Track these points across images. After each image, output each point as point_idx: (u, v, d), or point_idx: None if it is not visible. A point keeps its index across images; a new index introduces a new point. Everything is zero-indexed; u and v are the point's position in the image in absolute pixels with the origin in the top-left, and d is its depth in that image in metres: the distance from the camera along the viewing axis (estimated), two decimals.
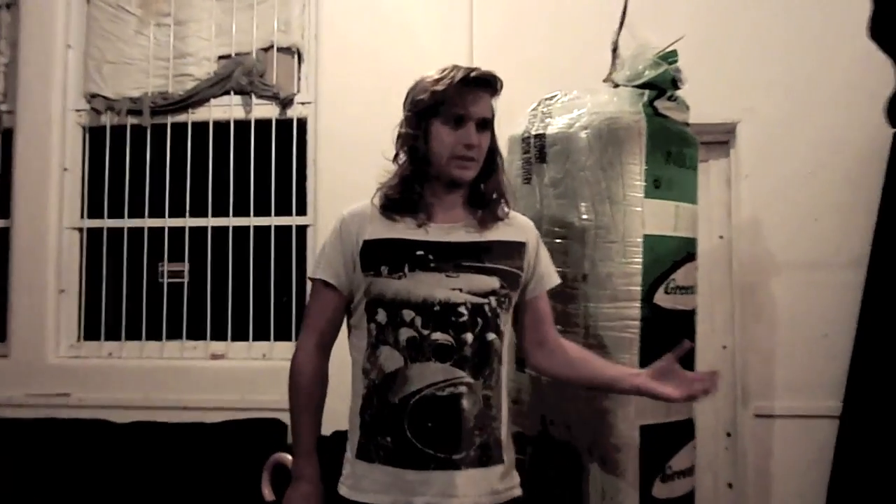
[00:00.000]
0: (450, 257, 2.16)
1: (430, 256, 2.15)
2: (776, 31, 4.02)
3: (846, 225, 3.90)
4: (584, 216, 2.75)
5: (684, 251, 2.89)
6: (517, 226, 2.33)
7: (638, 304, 2.73)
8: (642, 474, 2.70)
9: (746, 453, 3.96)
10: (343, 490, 2.18)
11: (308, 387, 2.26)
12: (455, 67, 2.18)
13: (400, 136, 2.26)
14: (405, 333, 2.13)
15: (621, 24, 3.04)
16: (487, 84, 2.19)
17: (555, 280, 2.41)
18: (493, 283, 2.18)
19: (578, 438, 2.75)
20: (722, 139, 4.05)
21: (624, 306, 2.72)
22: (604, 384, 2.41)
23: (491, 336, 2.16)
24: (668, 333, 2.77)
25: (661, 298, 2.78)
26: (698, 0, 4.03)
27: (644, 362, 2.64)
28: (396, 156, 2.27)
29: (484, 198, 2.26)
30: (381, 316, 2.16)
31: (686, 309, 2.90)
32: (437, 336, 2.12)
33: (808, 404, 3.90)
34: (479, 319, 2.14)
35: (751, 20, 4.03)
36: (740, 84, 3.96)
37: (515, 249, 2.27)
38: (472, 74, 2.15)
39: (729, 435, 4.02)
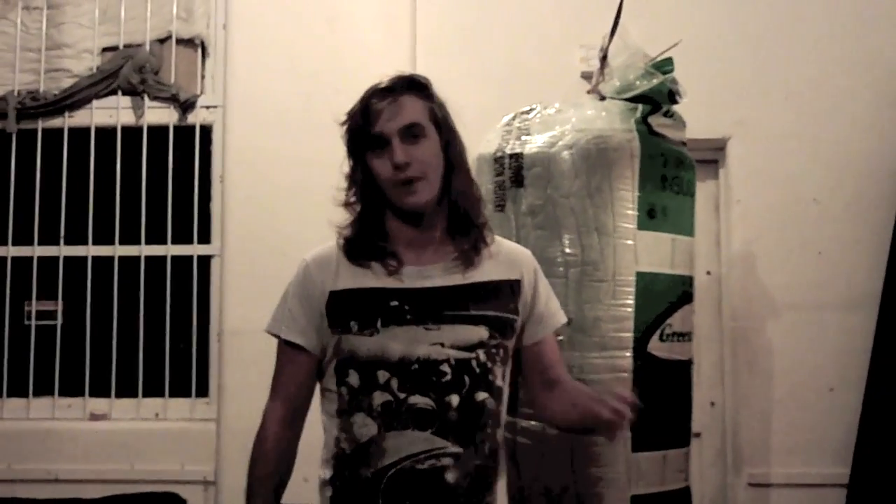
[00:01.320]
0: (429, 306, 2.16)
1: (406, 307, 2.15)
2: (772, 33, 4.19)
3: (854, 259, 4.04)
4: (569, 250, 2.83)
5: (680, 291, 3.01)
6: (509, 259, 2.32)
7: (629, 354, 2.83)
8: None
9: None
10: None
11: (269, 465, 2.25)
12: (370, 88, 2.21)
13: (346, 178, 2.26)
14: (379, 398, 2.13)
15: (614, 27, 3.11)
16: (404, 88, 2.19)
17: (560, 319, 2.40)
18: (481, 333, 2.17)
19: None
20: (710, 158, 4.17)
21: (613, 356, 2.81)
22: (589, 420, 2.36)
23: (482, 396, 2.16)
24: (663, 387, 2.92)
25: (655, 347, 2.89)
26: (684, 2, 4.19)
27: (638, 422, 2.75)
28: (347, 202, 2.27)
29: (459, 222, 2.23)
30: (353, 378, 2.16)
31: (682, 359, 3.03)
32: (416, 399, 2.12)
33: (810, 471, 4.01)
34: (465, 377, 2.14)
35: (744, 22, 4.20)
36: (732, 93, 4.11)
37: (507, 289, 2.27)
38: (380, 86, 2.17)
39: None
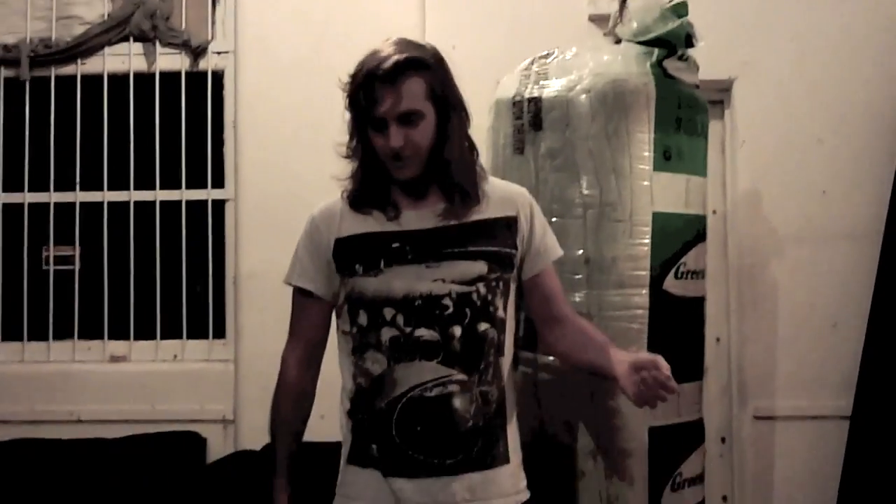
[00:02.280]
0: (429, 246, 2.29)
1: (408, 248, 2.29)
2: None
3: (858, 198, 4.09)
4: (587, 192, 2.89)
5: (695, 230, 3.08)
6: (505, 198, 2.43)
7: (646, 291, 2.91)
8: (651, 482, 2.90)
9: (744, 461, 4.16)
10: (337, 500, 2.39)
11: (291, 405, 2.44)
12: (368, 57, 2.26)
13: (348, 128, 2.37)
14: (387, 333, 2.27)
15: None
16: (403, 70, 2.23)
17: (556, 252, 2.50)
18: (480, 267, 2.29)
19: (580, 440, 2.91)
20: (716, 99, 4.16)
21: (631, 294, 2.89)
22: (599, 372, 2.49)
23: (483, 326, 2.29)
24: (677, 324, 2.99)
25: (670, 284, 2.96)
26: None
27: None
28: (349, 150, 2.38)
29: (450, 180, 2.34)
30: (363, 317, 2.32)
31: (696, 296, 3.10)
32: (422, 332, 2.25)
33: (814, 404, 4.09)
34: (466, 310, 2.27)
35: None
36: (738, 34, 4.10)
37: (504, 226, 2.38)
38: (380, 72, 2.20)
39: (724, 440, 4.22)
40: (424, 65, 2.26)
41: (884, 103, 4.09)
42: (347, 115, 2.34)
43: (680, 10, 3.03)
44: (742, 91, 4.19)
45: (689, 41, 3.05)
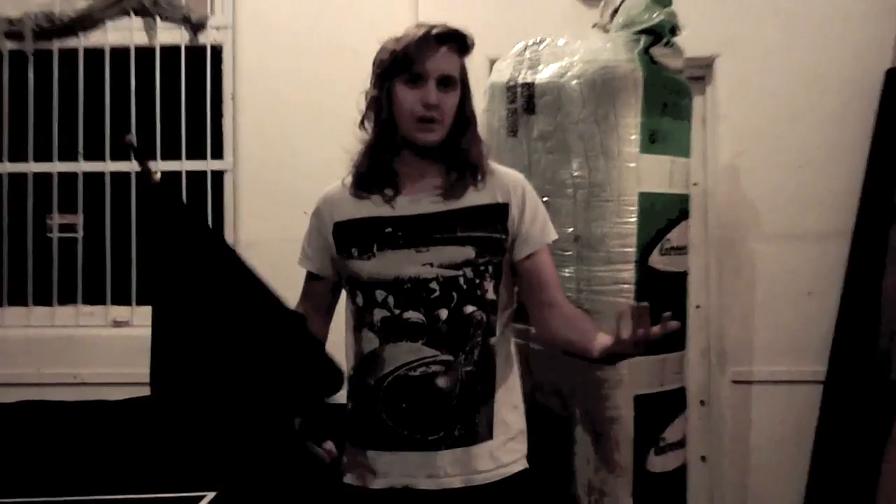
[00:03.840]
0: (420, 231, 2.38)
1: (400, 233, 2.38)
2: None
3: (834, 172, 4.17)
4: (577, 173, 3.00)
5: (678, 209, 3.19)
6: (498, 185, 2.47)
7: (632, 267, 3.03)
8: (636, 447, 3.03)
9: (722, 423, 4.27)
10: (345, 477, 2.50)
11: None
12: (419, 25, 2.37)
13: (366, 100, 2.47)
14: (379, 314, 2.38)
15: None
16: (451, 39, 2.36)
17: (548, 237, 2.52)
18: (468, 252, 2.36)
19: (570, 408, 3.04)
20: (698, 75, 4.23)
21: (618, 269, 3.01)
22: (581, 353, 2.47)
23: (470, 309, 2.36)
24: (662, 297, 3.06)
25: (655, 260, 3.08)
26: None
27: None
28: (363, 121, 2.48)
29: (458, 159, 2.44)
30: (359, 298, 2.43)
31: (680, 271, 3.23)
32: (409, 315, 2.35)
33: (790, 369, 4.19)
34: (453, 293, 2.35)
35: None
36: (719, 12, 4.16)
37: (494, 212, 2.44)
38: (434, 31, 2.32)
39: (703, 403, 4.32)
40: (466, 47, 2.39)
41: (861, 80, 4.15)
42: (367, 87, 2.45)
43: (664, 1, 3.13)
44: (724, 67, 4.24)
45: (673, 31, 3.13)
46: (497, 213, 2.44)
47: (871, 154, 4.09)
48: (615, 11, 3.23)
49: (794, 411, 4.17)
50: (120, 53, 4.56)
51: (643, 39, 3.06)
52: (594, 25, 3.27)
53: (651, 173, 3.04)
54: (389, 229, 2.39)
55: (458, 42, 2.38)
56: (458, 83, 2.40)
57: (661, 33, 3.09)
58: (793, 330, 4.20)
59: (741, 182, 4.26)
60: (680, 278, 3.24)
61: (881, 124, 4.08)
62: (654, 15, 3.07)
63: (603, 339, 2.34)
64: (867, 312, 3.95)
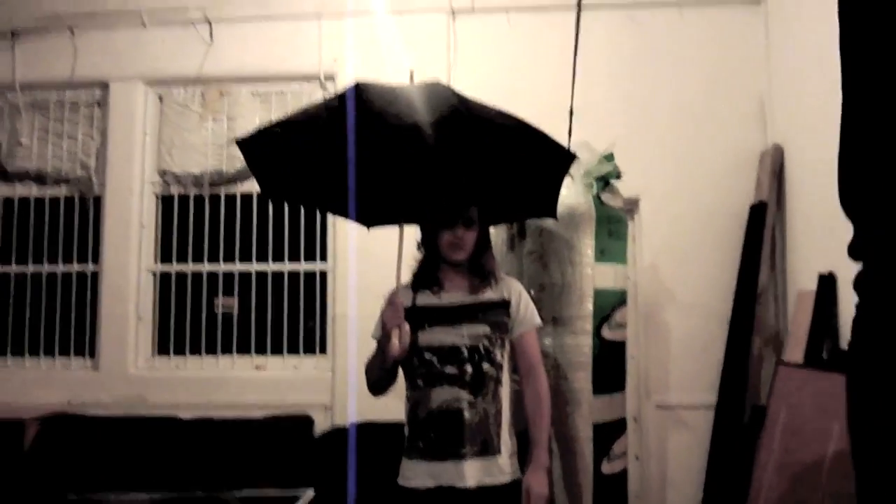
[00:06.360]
0: (455, 315, 2.39)
1: (443, 316, 2.39)
2: (669, 136, 4.21)
3: (719, 271, 4.07)
4: (553, 277, 2.90)
5: (620, 299, 3.08)
6: (505, 287, 2.49)
7: (590, 337, 2.92)
8: (595, 457, 2.89)
9: (649, 434, 4.12)
10: (399, 481, 2.41)
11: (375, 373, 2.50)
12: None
13: (421, 235, 2.54)
14: (426, 368, 2.36)
15: (570, 133, 3.14)
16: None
17: (536, 322, 2.50)
18: (485, 329, 2.38)
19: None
20: (629, 208, 4.09)
21: (581, 339, 2.90)
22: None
23: (486, 366, 2.35)
24: (610, 357, 2.99)
25: (605, 333, 2.96)
26: (616, 107, 4.19)
27: (595, 378, 2.87)
28: (419, 246, 2.54)
29: (480, 270, 2.47)
30: (414, 358, 2.38)
31: (621, 340, 3.10)
32: (447, 369, 2.34)
33: (693, 398, 4.05)
34: (475, 355, 2.34)
35: (654, 127, 4.21)
36: (642, 169, 4.04)
37: (502, 305, 2.45)
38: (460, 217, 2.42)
39: (636, 420, 4.15)
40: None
41: (735, 214, 4.07)
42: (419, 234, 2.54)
43: (609, 157, 3.08)
44: (644, 204, 4.17)
45: (618, 176, 3.08)
46: (504, 306, 2.45)
47: (742, 257, 3.98)
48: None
49: (698, 427, 4.02)
50: (262, 197, 4.46)
51: (595, 185, 2.99)
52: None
53: (601, 276, 2.94)
54: (436, 313, 2.40)
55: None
56: (477, 224, 2.45)
57: (609, 180, 3.04)
58: (694, 371, 4.07)
59: (658, 277, 4.16)
60: (621, 345, 3.11)
61: (747, 241, 3.98)
62: (604, 167, 3.02)
63: (529, 481, 2.36)
64: (742, 360, 3.82)
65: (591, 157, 3.08)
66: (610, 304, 2.99)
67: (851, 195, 0.96)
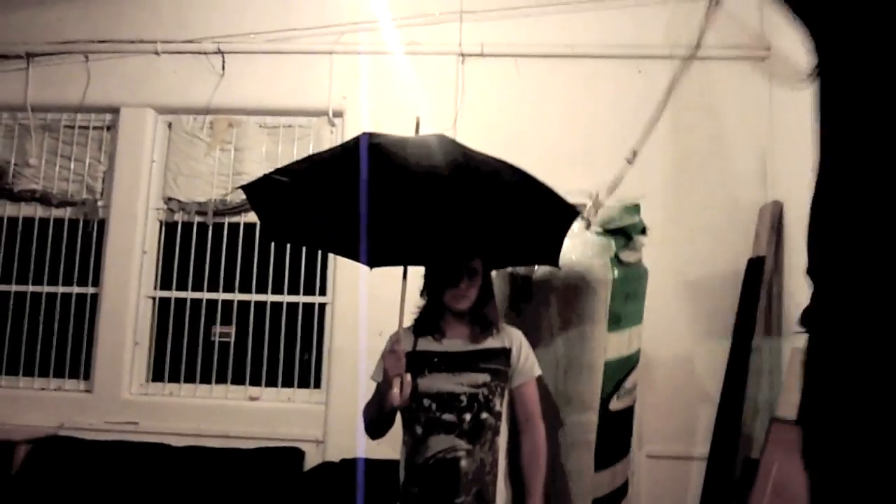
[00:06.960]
0: (455, 362, 2.27)
1: (443, 363, 2.28)
2: (670, 187, 4.10)
3: (717, 323, 3.92)
4: (561, 348, 2.65)
5: (634, 362, 2.80)
6: (506, 335, 2.38)
7: (596, 412, 2.65)
8: None
9: (640, 484, 3.92)
10: None
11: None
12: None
13: (424, 282, 2.44)
14: (425, 414, 2.24)
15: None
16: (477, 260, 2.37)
17: (535, 371, 2.38)
18: (485, 377, 2.26)
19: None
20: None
21: (586, 415, 2.64)
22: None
23: (484, 415, 2.23)
24: (616, 429, 2.75)
25: (613, 405, 2.70)
26: (619, 156, 3.90)
27: (599, 453, 2.63)
28: (422, 293, 2.44)
29: (482, 319, 2.36)
30: (413, 403, 2.26)
31: (629, 406, 2.81)
32: (446, 416, 2.23)
33: (686, 449, 3.91)
34: (474, 404, 2.23)
35: (655, 177, 4.09)
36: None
37: (502, 354, 2.33)
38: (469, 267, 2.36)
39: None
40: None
41: (735, 268, 3.96)
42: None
43: (635, 210, 2.80)
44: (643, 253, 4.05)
45: (643, 230, 2.79)
46: (504, 354, 2.35)
47: (738, 313, 3.83)
48: (597, 211, 2.85)
49: (689, 477, 3.91)
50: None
51: (614, 244, 2.68)
52: (581, 217, 2.82)
53: (613, 346, 2.66)
54: (436, 359, 2.29)
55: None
56: (480, 275, 2.35)
57: (632, 233, 2.74)
58: (688, 423, 3.92)
59: (659, 328, 3.93)
60: (630, 410, 2.85)
61: (743, 294, 3.86)
62: (627, 218, 2.74)
63: None
64: (735, 413, 3.68)
65: (614, 206, 2.81)
66: (621, 372, 2.72)
67: (817, 263, 0.97)
